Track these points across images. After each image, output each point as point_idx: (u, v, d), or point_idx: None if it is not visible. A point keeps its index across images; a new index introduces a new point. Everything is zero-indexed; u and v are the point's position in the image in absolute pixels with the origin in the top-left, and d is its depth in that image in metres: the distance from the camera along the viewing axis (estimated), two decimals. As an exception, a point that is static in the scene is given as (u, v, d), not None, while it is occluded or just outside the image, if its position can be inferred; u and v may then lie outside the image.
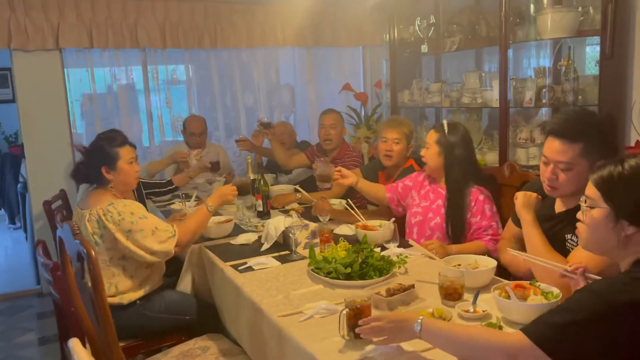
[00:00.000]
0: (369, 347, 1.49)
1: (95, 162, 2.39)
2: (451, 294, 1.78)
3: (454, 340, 1.32)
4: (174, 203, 3.49)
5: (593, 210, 1.32)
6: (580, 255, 1.68)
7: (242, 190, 2.95)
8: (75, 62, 4.19)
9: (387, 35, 4.36)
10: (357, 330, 1.47)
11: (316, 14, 4.59)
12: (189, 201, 3.27)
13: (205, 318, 2.47)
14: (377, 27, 4.89)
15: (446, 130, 2.56)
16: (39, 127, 4.08)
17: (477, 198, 2.49)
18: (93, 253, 1.62)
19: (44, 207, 3.21)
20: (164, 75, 4.57)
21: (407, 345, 1.49)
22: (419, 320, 1.36)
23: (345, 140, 3.82)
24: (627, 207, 1.25)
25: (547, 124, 1.94)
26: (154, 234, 2.28)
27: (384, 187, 2.92)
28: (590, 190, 1.33)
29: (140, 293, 2.36)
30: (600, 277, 1.44)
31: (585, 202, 1.35)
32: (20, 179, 5.87)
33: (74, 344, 1.26)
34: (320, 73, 5.18)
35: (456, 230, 2.51)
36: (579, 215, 1.39)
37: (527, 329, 1.20)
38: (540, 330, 1.18)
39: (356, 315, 1.54)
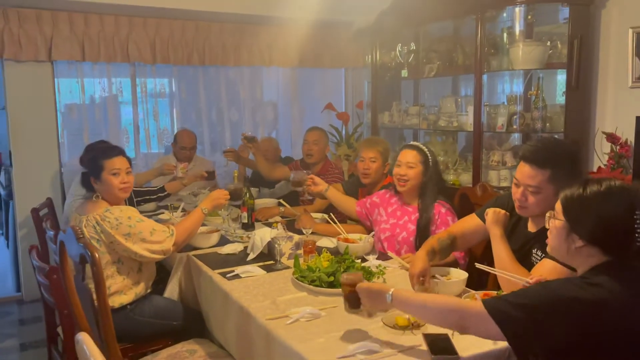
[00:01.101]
0: (352, 346, 1.63)
1: (86, 172, 2.51)
2: (426, 301, 1.94)
3: (419, 304, 1.57)
4: (162, 213, 3.59)
5: (555, 221, 1.51)
6: (541, 269, 1.86)
7: (234, 196, 3.07)
8: (66, 73, 4.27)
9: (370, 58, 4.57)
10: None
11: (302, 36, 4.76)
12: (176, 212, 3.38)
13: (191, 324, 2.57)
14: (360, 51, 5.10)
15: (427, 151, 2.75)
16: (27, 136, 4.14)
17: (440, 211, 2.69)
18: (97, 255, 1.73)
19: (31, 215, 3.28)
20: (152, 89, 4.69)
21: (385, 346, 1.64)
22: (390, 292, 1.59)
23: (327, 157, 3.99)
24: (578, 224, 1.44)
25: (520, 149, 2.12)
26: (152, 234, 2.41)
27: (354, 201, 3.10)
28: (557, 203, 1.53)
29: (130, 296, 2.46)
30: None
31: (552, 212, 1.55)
32: (-1, 187, 5.84)
33: (84, 337, 1.37)
34: (303, 92, 5.33)
35: (423, 242, 2.69)
36: (546, 223, 1.58)
37: (486, 301, 1.42)
38: (496, 304, 1.40)
39: (350, 288, 1.71)
